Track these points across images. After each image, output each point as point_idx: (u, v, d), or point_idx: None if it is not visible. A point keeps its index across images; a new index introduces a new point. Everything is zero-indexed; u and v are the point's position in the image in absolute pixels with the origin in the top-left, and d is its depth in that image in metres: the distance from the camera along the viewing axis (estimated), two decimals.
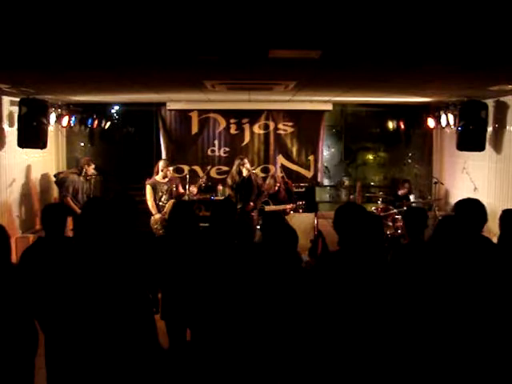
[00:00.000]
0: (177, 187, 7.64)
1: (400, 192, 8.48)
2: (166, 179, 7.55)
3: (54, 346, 3.48)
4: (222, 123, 9.63)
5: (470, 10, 2.59)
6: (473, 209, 3.76)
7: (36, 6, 2.54)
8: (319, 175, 9.84)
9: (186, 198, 7.79)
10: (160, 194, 7.47)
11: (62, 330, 3.37)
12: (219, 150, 9.68)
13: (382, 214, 7.93)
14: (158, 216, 7.39)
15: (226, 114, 9.57)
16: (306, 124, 9.65)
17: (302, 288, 3.26)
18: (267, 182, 7.97)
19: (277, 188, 7.79)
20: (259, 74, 5.31)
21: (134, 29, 3.09)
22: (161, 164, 7.63)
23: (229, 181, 7.89)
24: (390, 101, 8.66)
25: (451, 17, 2.73)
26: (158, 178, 7.55)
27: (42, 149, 7.61)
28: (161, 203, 7.47)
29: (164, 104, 9.37)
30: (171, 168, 7.71)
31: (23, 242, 6.83)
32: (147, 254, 3.78)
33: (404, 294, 3.08)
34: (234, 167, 7.79)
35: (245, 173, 7.62)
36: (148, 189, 7.47)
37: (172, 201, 7.34)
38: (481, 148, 7.19)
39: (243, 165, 7.65)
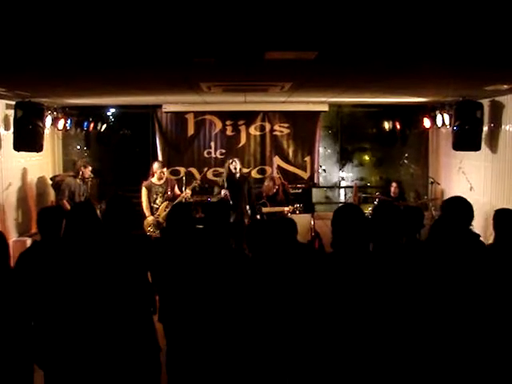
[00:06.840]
0: (172, 189, 7.67)
1: (391, 193, 8.40)
2: (162, 181, 7.61)
3: (50, 348, 3.47)
4: (218, 125, 9.62)
5: (465, 10, 2.60)
6: (459, 207, 3.76)
7: (33, 8, 2.53)
8: (316, 176, 9.84)
9: (183, 200, 7.78)
10: (154, 196, 7.54)
11: (58, 333, 3.36)
12: (215, 152, 9.68)
13: None
14: (151, 218, 7.49)
15: (222, 115, 9.56)
16: (302, 125, 9.66)
17: (300, 290, 3.25)
18: (265, 183, 7.95)
19: (275, 190, 7.77)
20: (255, 76, 5.31)
21: (129, 31, 3.09)
22: (155, 166, 7.70)
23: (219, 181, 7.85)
24: (386, 101, 8.67)
25: (446, 18, 2.74)
26: (154, 180, 7.62)
27: (38, 152, 7.58)
28: (155, 205, 7.53)
29: (160, 106, 9.36)
30: (165, 169, 7.76)
31: (20, 246, 6.80)
32: (143, 257, 3.77)
33: (401, 294, 3.08)
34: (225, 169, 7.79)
35: (234, 171, 7.53)
36: (143, 191, 7.57)
37: (166, 203, 7.41)
38: (476, 148, 7.21)
39: (233, 164, 7.57)
